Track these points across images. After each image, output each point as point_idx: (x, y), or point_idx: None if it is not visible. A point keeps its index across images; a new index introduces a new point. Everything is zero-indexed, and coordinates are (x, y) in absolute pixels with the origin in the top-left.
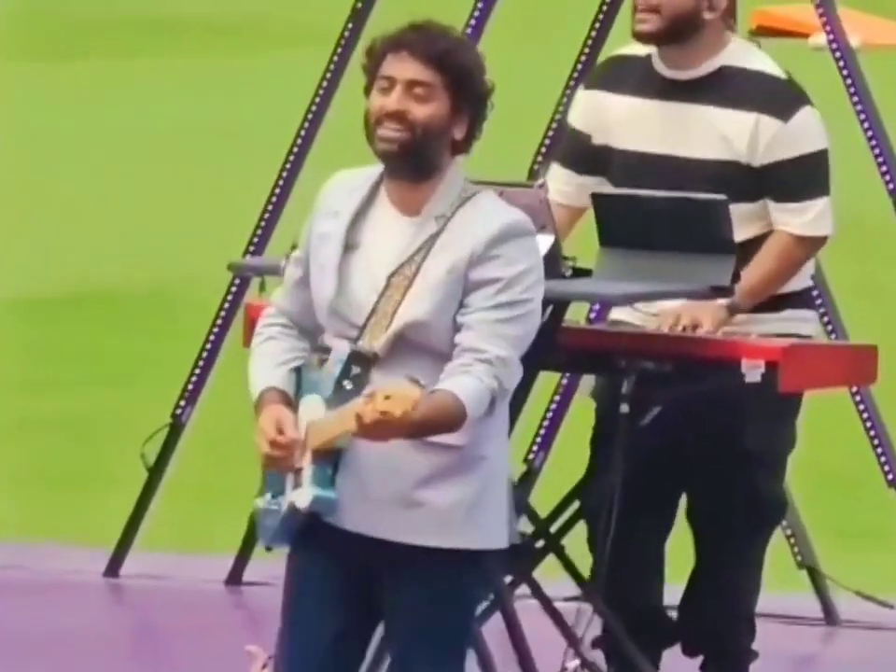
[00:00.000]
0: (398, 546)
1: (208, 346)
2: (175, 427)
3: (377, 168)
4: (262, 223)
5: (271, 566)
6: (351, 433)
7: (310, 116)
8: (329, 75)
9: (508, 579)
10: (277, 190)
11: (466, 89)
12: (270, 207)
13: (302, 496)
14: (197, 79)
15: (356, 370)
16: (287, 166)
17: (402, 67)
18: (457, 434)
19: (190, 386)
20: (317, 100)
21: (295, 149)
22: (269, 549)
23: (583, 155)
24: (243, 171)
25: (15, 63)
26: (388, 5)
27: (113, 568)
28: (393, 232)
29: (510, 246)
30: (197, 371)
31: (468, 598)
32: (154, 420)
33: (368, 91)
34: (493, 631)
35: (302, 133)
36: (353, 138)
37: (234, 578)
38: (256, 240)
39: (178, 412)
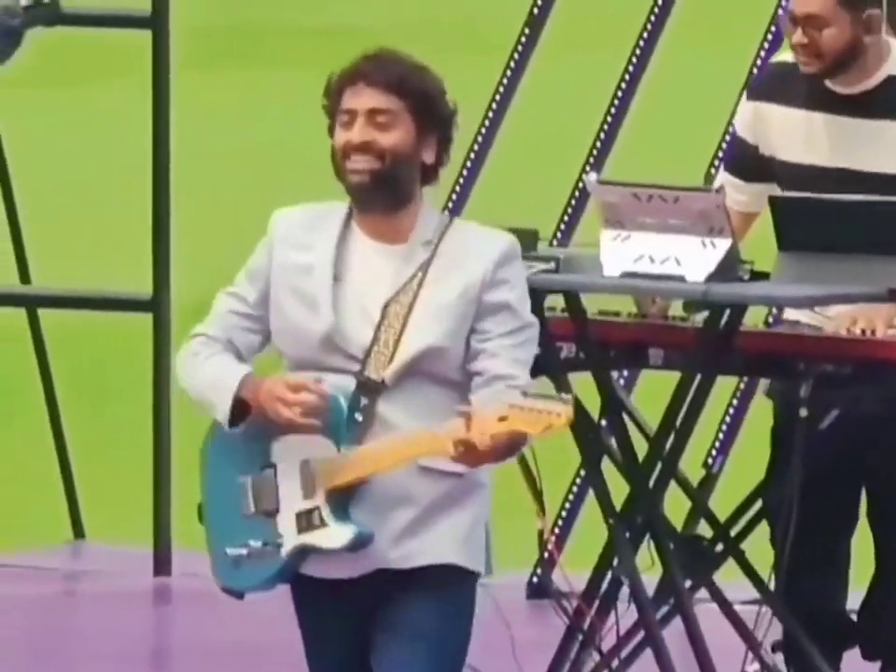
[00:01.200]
0: (406, 570)
1: None
2: None
3: (334, 204)
4: None
5: None
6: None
7: (487, 121)
8: (505, 80)
9: (687, 583)
10: (454, 196)
11: (429, 111)
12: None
13: (335, 535)
14: None
15: (364, 401)
16: (464, 171)
17: (361, 98)
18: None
19: None
20: (494, 105)
21: (472, 155)
22: (241, 596)
23: (751, 164)
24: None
25: (189, 72)
26: (565, 8)
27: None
28: (377, 263)
29: (512, 269)
30: None
31: (470, 616)
32: None
33: (331, 130)
34: (673, 635)
35: (479, 139)
36: (528, 142)
37: None
38: None
39: None
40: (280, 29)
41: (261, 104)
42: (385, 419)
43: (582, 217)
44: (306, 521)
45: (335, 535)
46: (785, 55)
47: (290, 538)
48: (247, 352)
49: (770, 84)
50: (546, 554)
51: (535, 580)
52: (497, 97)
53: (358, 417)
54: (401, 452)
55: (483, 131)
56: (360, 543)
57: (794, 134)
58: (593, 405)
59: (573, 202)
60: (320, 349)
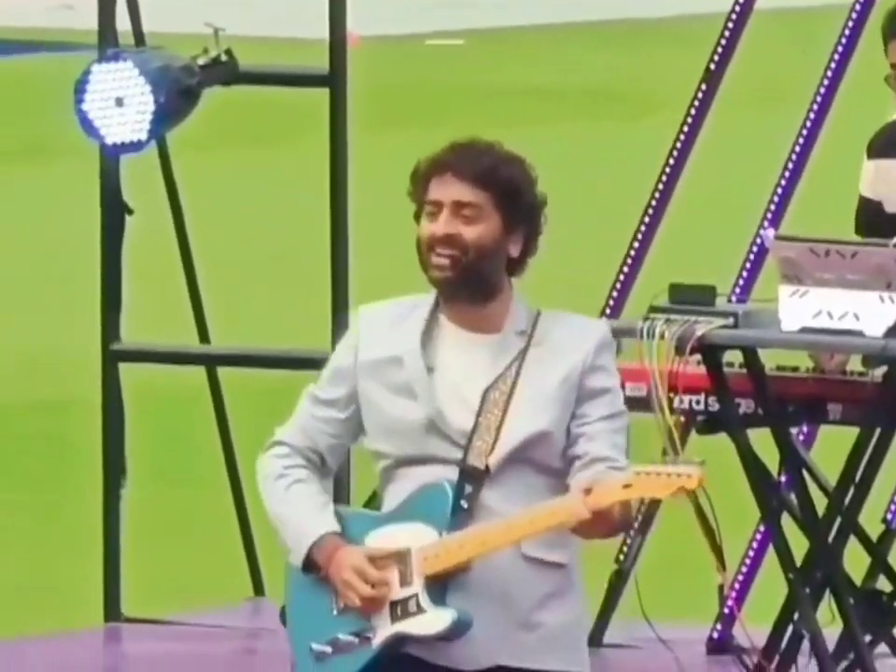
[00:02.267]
0: (510, 670)
1: None
2: None
3: (418, 297)
4: (617, 285)
5: (632, 628)
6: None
7: (664, 177)
8: (682, 136)
9: (867, 637)
10: (632, 252)
11: (516, 204)
12: (624, 269)
13: (433, 620)
14: (543, 146)
15: (468, 488)
16: (642, 228)
17: (447, 190)
18: (564, 552)
19: None
20: (671, 161)
21: (650, 210)
22: None
23: (879, 222)
24: (589, 235)
25: (374, 130)
26: (740, 65)
27: None
28: (470, 351)
29: (608, 356)
30: None
31: None
32: None
33: (417, 217)
34: None
35: (657, 195)
36: (705, 198)
37: (595, 640)
38: (611, 302)
39: None
40: (460, 88)
41: None
42: (488, 506)
43: (760, 273)
44: (402, 609)
45: (433, 620)
46: None
47: (384, 627)
48: (332, 457)
49: (886, 141)
50: (726, 610)
51: (715, 635)
52: (674, 153)
53: (464, 504)
54: (512, 530)
55: (661, 187)
56: (459, 629)
57: None
58: (772, 460)
59: (751, 257)
60: (422, 438)
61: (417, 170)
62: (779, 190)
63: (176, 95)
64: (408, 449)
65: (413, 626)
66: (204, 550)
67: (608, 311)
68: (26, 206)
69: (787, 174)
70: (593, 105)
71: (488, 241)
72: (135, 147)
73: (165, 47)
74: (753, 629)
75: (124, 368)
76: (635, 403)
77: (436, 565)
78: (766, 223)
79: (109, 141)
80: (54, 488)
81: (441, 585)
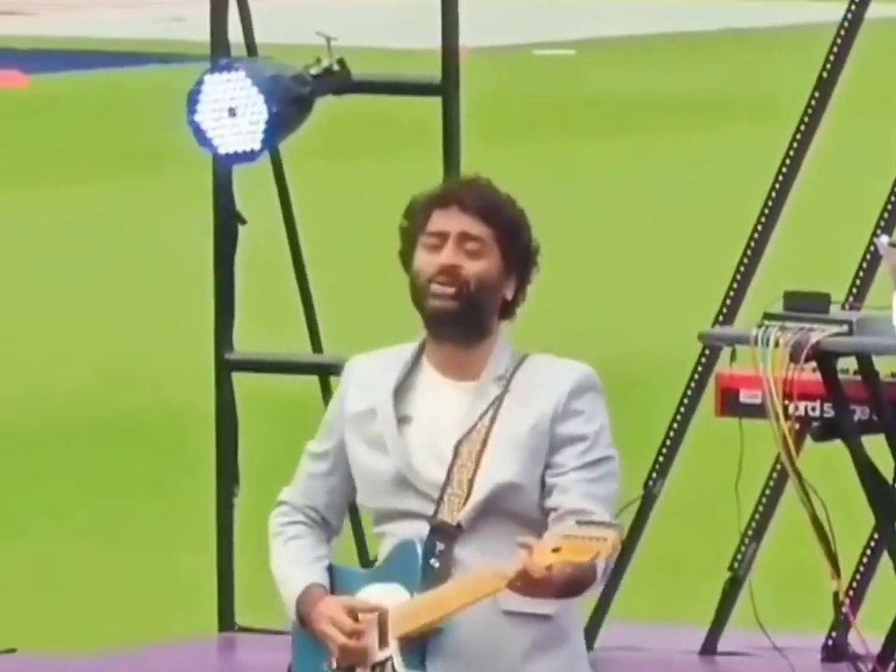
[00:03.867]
0: None
1: (678, 418)
2: (648, 499)
3: (405, 345)
4: (731, 292)
5: (746, 636)
6: (480, 600)
7: (777, 185)
8: (795, 144)
9: None
10: (745, 260)
11: (515, 245)
12: (738, 276)
13: None
14: (655, 156)
15: (440, 546)
16: (756, 235)
17: (453, 221)
18: (548, 604)
19: (661, 458)
20: (784, 169)
21: (763, 218)
22: None
23: None
24: (704, 242)
25: (484, 141)
26: (854, 71)
27: (588, 640)
28: (448, 399)
29: (587, 401)
30: (668, 442)
31: None
32: (627, 493)
33: (405, 254)
34: None
35: (770, 203)
36: (819, 205)
37: (709, 647)
38: (725, 310)
39: (650, 483)
40: (570, 98)
41: (555, 172)
42: (464, 563)
43: (875, 280)
44: None
45: None
46: None
47: None
48: (331, 515)
49: None
50: (842, 616)
51: (830, 642)
52: (788, 161)
53: (434, 563)
54: (465, 594)
55: (774, 195)
56: None
57: None
58: (886, 467)
59: (864, 264)
60: (392, 491)
61: (415, 203)
62: (893, 198)
63: (289, 105)
64: (383, 503)
65: None
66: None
67: (721, 318)
68: (139, 217)
69: None
70: (704, 115)
71: (490, 277)
72: (249, 157)
73: (276, 57)
74: (869, 636)
75: (236, 375)
76: (750, 410)
77: (405, 626)
78: (880, 230)
79: (222, 151)
80: (168, 496)
81: (418, 647)
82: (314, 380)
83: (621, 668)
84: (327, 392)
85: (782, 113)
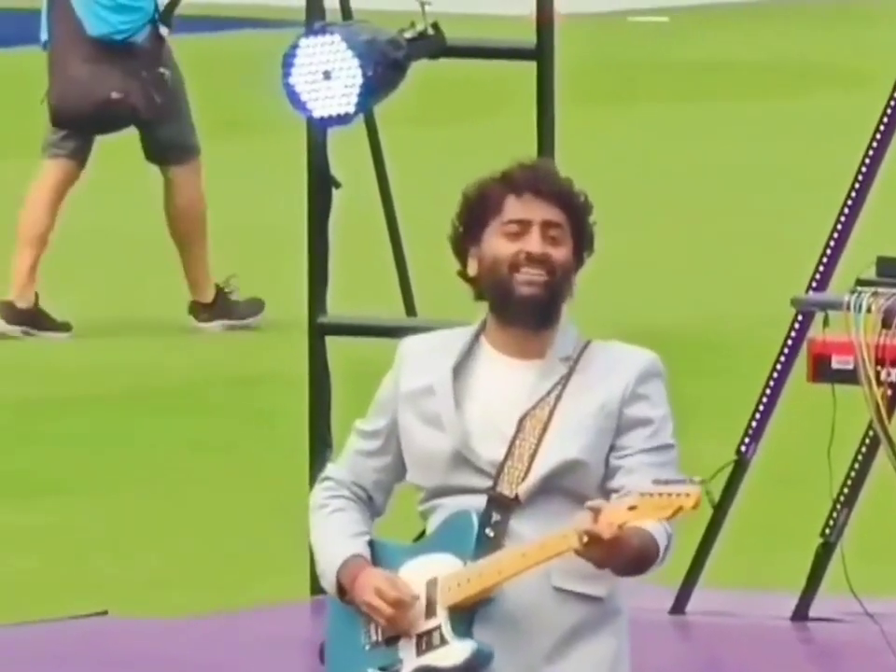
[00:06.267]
0: None
1: (771, 383)
2: (740, 464)
3: (459, 328)
4: (824, 259)
5: (838, 602)
6: (551, 558)
7: (870, 152)
8: (889, 111)
9: None
10: (839, 226)
11: (585, 231)
12: (832, 243)
13: (453, 652)
14: (747, 121)
15: (496, 517)
16: (849, 202)
17: (534, 209)
18: (600, 585)
19: (755, 423)
20: (878, 136)
21: (857, 185)
22: None
23: None
24: (795, 208)
25: (578, 106)
26: None
27: (679, 606)
28: (510, 378)
29: (653, 386)
30: (761, 407)
31: None
32: (717, 458)
33: (457, 243)
34: None
35: (863, 168)
36: None
37: (800, 614)
38: (818, 276)
39: (743, 448)
40: (664, 64)
41: (645, 137)
42: (519, 535)
43: None
44: (426, 642)
45: (454, 652)
46: None
47: (410, 661)
48: (377, 492)
49: None
50: None
51: None
52: (881, 128)
53: (490, 533)
54: (526, 557)
55: (867, 161)
56: (479, 661)
57: None
58: None
59: None
60: (449, 469)
61: (483, 189)
62: None
63: (384, 68)
64: (437, 480)
65: (436, 659)
66: (408, 521)
67: (814, 283)
68: (232, 181)
69: None
70: (798, 81)
71: (570, 263)
72: (343, 120)
73: (371, 21)
74: None
75: (330, 341)
76: (842, 376)
77: (457, 595)
78: None
79: (317, 114)
80: (260, 462)
81: (467, 616)
82: None
83: (712, 634)
84: None
85: (878, 81)
